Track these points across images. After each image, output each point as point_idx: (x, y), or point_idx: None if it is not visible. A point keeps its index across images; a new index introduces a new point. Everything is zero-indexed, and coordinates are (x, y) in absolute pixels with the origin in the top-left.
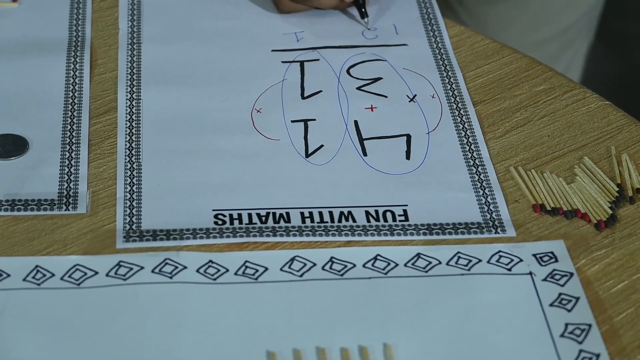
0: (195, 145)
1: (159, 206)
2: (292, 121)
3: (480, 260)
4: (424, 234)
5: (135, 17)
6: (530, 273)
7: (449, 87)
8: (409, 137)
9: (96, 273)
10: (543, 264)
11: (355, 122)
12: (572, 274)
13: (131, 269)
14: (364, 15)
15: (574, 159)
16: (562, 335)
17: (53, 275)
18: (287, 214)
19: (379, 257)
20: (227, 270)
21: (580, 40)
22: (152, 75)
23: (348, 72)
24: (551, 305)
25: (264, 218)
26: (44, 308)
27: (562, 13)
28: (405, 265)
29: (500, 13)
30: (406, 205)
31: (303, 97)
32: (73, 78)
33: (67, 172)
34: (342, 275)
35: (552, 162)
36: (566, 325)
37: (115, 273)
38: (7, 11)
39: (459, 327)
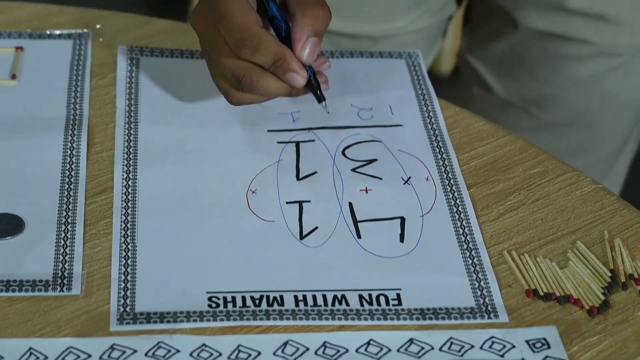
0: (190, 226)
1: (154, 288)
2: (287, 202)
3: (473, 346)
4: (417, 318)
5: (132, 96)
6: (523, 359)
7: (443, 169)
8: (403, 219)
9: (89, 356)
10: (535, 350)
11: (350, 204)
12: None
13: (124, 352)
14: (320, 99)
15: (567, 243)
16: None
17: (46, 357)
18: (281, 297)
19: (372, 342)
20: (220, 354)
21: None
22: (149, 155)
23: (343, 153)
24: None
25: (257, 301)
26: None
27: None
28: (398, 350)
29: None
30: (399, 289)
31: (298, 179)
32: (70, 157)
33: (62, 252)
34: None
35: (545, 246)
36: None
37: (109, 356)
38: (5, 88)
39: None
